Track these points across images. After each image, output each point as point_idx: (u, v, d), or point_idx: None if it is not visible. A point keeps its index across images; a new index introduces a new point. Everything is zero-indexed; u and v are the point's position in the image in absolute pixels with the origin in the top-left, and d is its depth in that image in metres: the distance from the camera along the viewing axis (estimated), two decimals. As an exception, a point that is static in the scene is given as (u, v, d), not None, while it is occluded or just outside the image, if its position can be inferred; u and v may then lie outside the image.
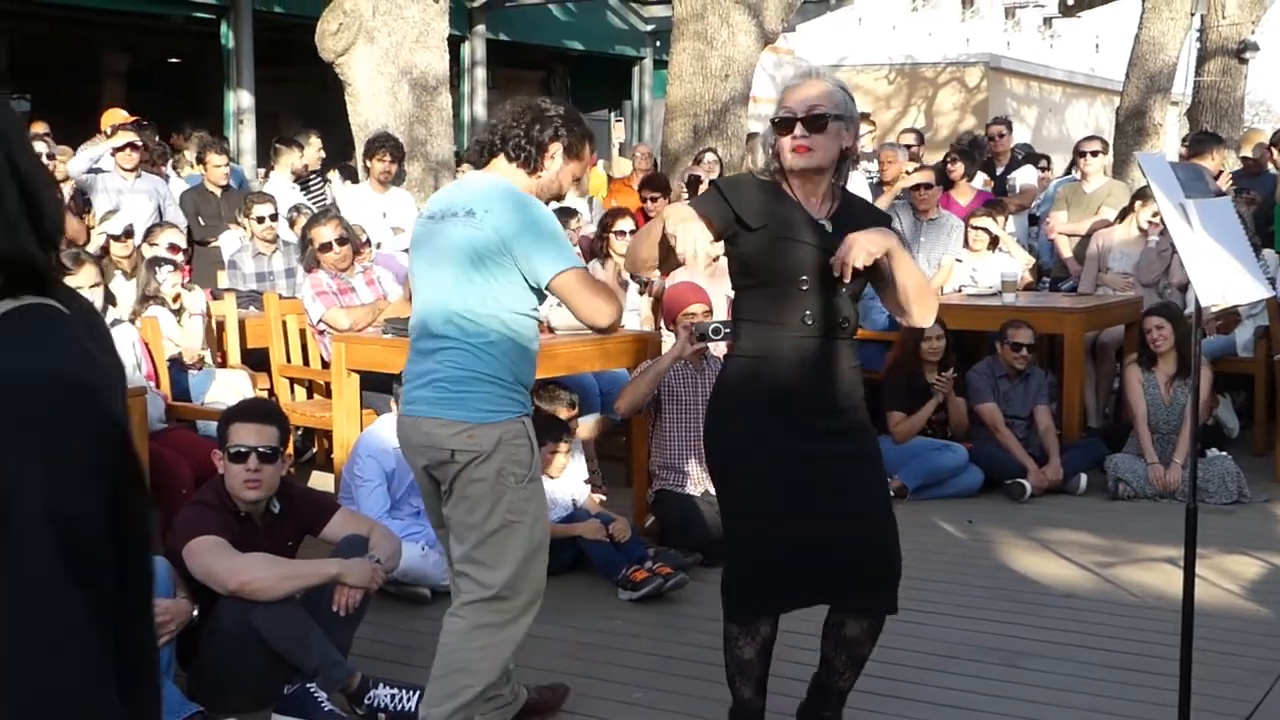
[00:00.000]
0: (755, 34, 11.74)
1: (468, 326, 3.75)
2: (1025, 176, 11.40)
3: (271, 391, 7.41)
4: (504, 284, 3.74)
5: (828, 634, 3.94)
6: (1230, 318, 8.39)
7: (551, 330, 6.02)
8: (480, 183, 3.87)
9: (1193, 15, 15.71)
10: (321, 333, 7.19)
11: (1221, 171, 10.65)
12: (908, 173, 10.26)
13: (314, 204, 9.59)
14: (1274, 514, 7.08)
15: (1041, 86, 28.89)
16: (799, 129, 3.61)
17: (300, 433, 7.69)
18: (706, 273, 7.90)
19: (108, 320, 5.97)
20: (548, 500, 4.31)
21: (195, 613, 4.25)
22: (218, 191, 9.61)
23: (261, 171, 12.52)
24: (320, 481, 7.06)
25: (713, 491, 6.05)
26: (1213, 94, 15.88)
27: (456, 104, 15.40)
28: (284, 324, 7.45)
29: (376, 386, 6.46)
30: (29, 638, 1.40)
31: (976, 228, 9.36)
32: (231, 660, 4.30)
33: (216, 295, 7.81)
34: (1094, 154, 10.15)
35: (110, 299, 6.15)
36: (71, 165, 8.95)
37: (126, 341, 6.02)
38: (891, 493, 7.05)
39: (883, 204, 10.00)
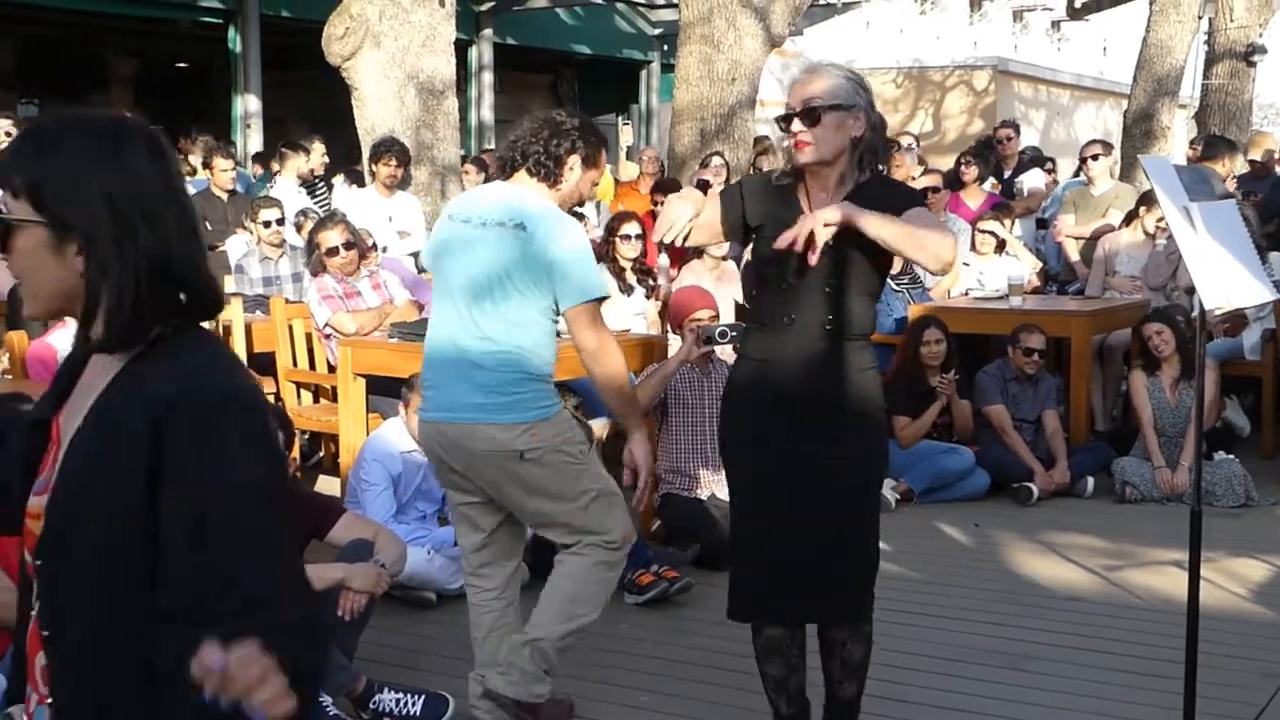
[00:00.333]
0: (762, 37, 11.73)
1: (514, 332, 3.99)
2: (1032, 180, 11.38)
3: (278, 396, 7.42)
4: (541, 293, 4.00)
5: (820, 641, 3.96)
6: (1238, 320, 8.37)
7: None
8: (520, 197, 4.07)
9: (1200, 18, 15.67)
10: (328, 337, 7.20)
11: (1230, 175, 10.64)
12: (913, 177, 10.24)
13: (319, 208, 9.61)
14: (1281, 517, 7.06)
15: (1049, 90, 28.86)
16: (796, 124, 3.62)
17: (306, 437, 7.70)
18: (713, 276, 7.91)
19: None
20: None
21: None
22: (224, 196, 9.63)
23: (257, 169, 12.48)
24: (326, 486, 7.06)
25: (719, 495, 6.07)
26: (1221, 97, 15.83)
27: (464, 108, 15.42)
28: (290, 328, 7.45)
29: (383, 391, 6.47)
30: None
31: (983, 231, 9.35)
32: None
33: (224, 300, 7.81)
34: (1095, 158, 10.13)
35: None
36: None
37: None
38: (897, 496, 7.16)
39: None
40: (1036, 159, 12.60)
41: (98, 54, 16.65)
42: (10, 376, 5.94)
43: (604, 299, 4.09)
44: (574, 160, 4.09)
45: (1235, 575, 6.01)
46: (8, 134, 9.44)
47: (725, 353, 6.20)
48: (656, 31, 19.71)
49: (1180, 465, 7.31)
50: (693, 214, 3.72)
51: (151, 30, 15.78)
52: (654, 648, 5.15)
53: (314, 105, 15.59)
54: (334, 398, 7.09)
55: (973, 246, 9.39)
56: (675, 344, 6.67)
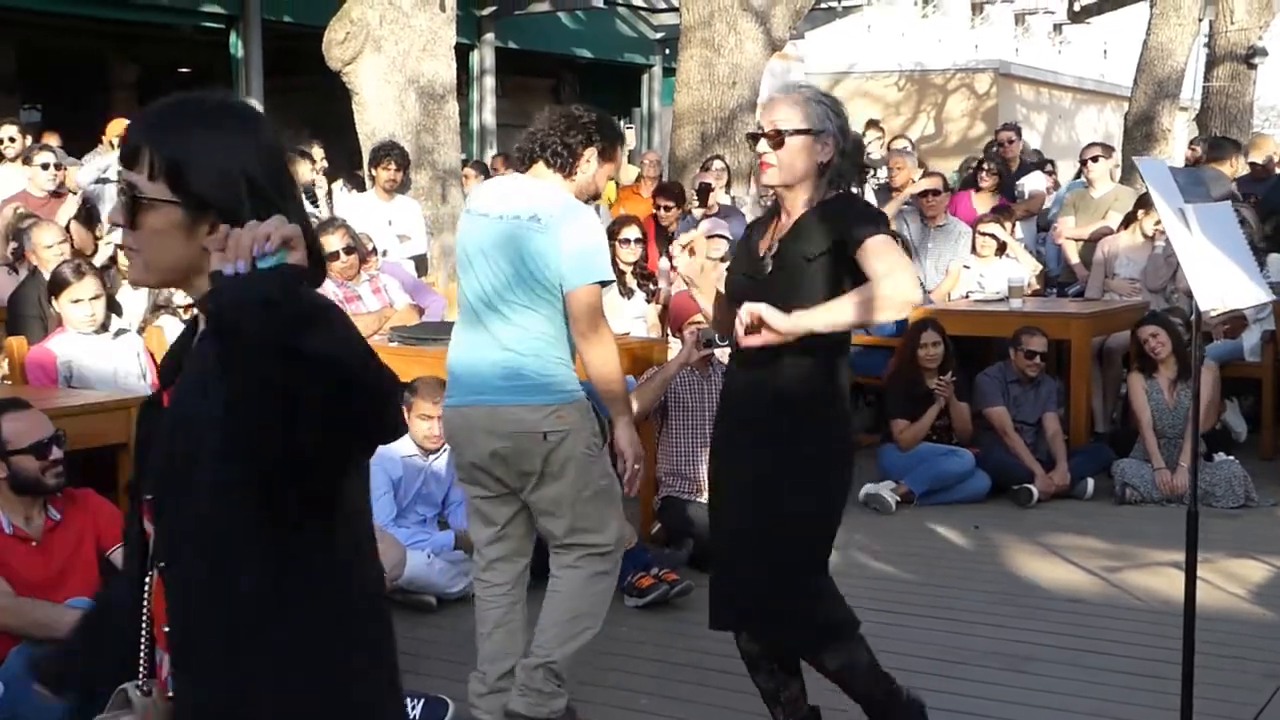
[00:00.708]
0: (763, 41, 11.75)
1: (538, 318, 4.10)
2: (1034, 183, 11.39)
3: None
4: (564, 280, 4.09)
5: None
6: (1237, 322, 8.38)
7: None
8: (538, 190, 4.20)
9: (1201, 21, 15.68)
10: (328, 341, 7.20)
11: (1234, 176, 10.64)
12: (914, 180, 10.25)
13: (317, 214, 9.61)
14: (1281, 518, 7.07)
15: (1051, 93, 28.86)
16: (762, 144, 3.67)
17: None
18: (716, 277, 7.91)
19: (113, 330, 5.99)
20: None
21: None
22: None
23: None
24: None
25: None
26: (1221, 99, 15.84)
27: (465, 112, 15.44)
28: (291, 332, 7.45)
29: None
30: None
31: (984, 234, 9.36)
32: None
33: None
34: (1095, 160, 10.15)
35: (115, 308, 6.16)
36: (79, 176, 8.98)
37: (131, 351, 6.03)
38: (897, 498, 7.16)
39: (890, 210, 10.00)
40: (1037, 162, 12.62)
41: (100, 59, 16.67)
42: (10, 382, 5.95)
43: (608, 283, 4.20)
44: (590, 153, 4.20)
45: (1234, 576, 6.01)
46: (10, 139, 9.47)
47: (725, 356, 6.20)
48: (658, 35, 19.73)
49: (1180, 466, 7.32)
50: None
51: (153, 35, 15.80)
52: (654, 650, 5.16)
53: (315, 110, 15.58)
54: (335, 402, 7.09)
55: (973, 249, 9.40)
56: (675, 347, 6.68)
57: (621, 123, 20.43)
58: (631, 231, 8.13)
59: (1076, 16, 22.14)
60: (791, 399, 3.66)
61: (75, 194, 8.32)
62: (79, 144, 10.84)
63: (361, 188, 10.15)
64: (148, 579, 1.99)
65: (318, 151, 10.73)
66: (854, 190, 3.79)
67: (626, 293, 8.02)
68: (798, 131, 3.63)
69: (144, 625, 2.00)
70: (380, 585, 2.04)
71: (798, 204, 3.71)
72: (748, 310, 3.49)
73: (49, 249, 6.88)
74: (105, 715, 1.98)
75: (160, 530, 1.94)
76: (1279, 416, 8.21)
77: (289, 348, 1.63)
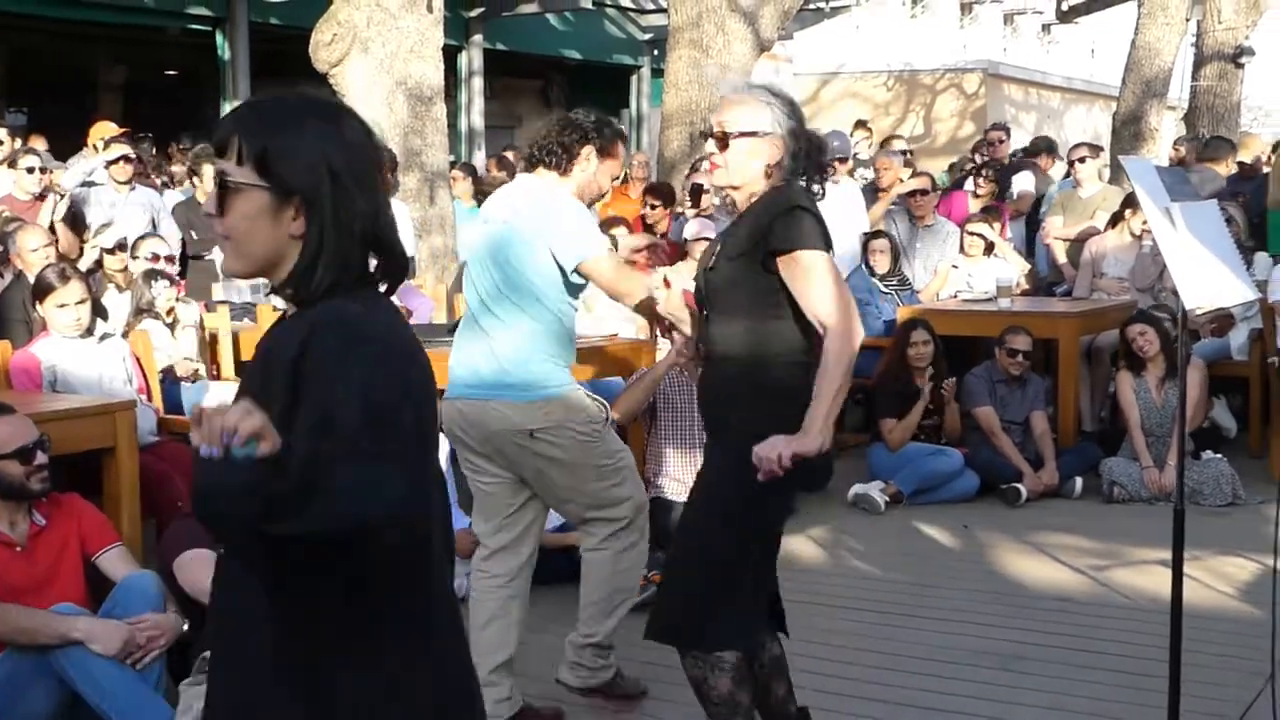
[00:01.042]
0: (751, 42, 11.74)
1: (523, 315, 4.19)
2: (1022, 183, 11.39)
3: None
4: (541, 273, 4.18)
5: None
6: (1225, 321, 8.39)
7: None
8: (514, 188, 4.40)
9: (1188, 20, 15.71)
10: (315, 343, 7.19)
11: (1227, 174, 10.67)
12: (902, 179, 10.26)
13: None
14: (1268, 516, 7.04)
15: (1039, 92, 28.87)
16: (709, 145, 3.68)
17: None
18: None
19: (98, 334, 5.97)
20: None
21: (186, 627, 4.24)
22: (212, 203, 9.60)
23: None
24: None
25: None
26: (1209, 99, 15.87)
27: (454, 114, 15.43)
28: (278, 335, 7.43)
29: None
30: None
31: (972, 234, 9.37)
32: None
33: (210, 308, 7.81)
34: (1083, 160, 10.16)
35: (101, 313, 6.14)
36: (65, 179, 8.94)
37: (117, 355, 6.01)
38: (886, 498, 7.16)
39: (878, 210, 10.01)
40: (1022, 163, 12.63)
41: (87, 62, 16.61)
42: (-6, 385, 5.93)
43: (600, 255, 4.25)
44: (587, 150, 4.30)
45: (1222, 574, 6.02)
46: None
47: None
48: (646, 36, 19.71)
49: (1168, 465, 7.32)
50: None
51: (140, 38, 15.75)
52: (643, 652, 5.14)
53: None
54: (322, 404, 7.08)
55: (961, 249, 9.40)
56: (665, 348, 6.67)
57: (611, 124, 20.46)
58: (619, 232, 8.12)
59: (1065, 16, 22.20)
60: (717, 409, 3.66)
61: (63, 197, 8.28)
62: (65, 147, 10.80)
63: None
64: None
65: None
66: (811, 189, 3.66)
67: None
68: (743, 134, 3.59)
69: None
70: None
71: (743, 205, 3.67)
72: (769, 462, 3.41)
73: (34, 252, 6.85)
74: (191, 679, 2.11)
75: None
76: (1266, 415, 8.22)
77: (259, 532, 1.80)
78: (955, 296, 9.11)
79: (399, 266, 2.06)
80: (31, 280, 6.28)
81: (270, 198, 1.96)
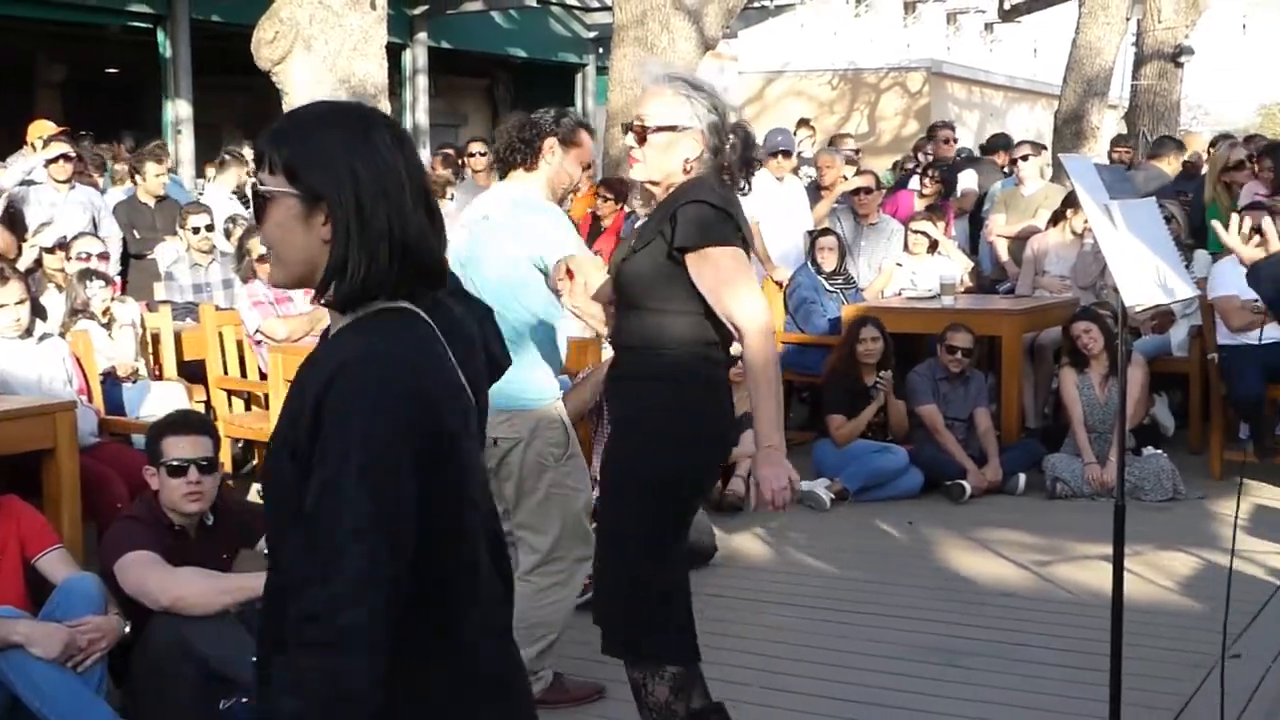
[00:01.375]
0: (696, 40, 11.74)
1: (501, 322, 4.06)
2: (966, 180, 11.47)
3: (209, 403, 7.34)
4: (525, 277, 4.19)
5: None
6: (1165, 318, 8.47)
7: None
8: (498, 190, 4.44)
9: (1129, 20, 15.86)
10: (259, 343, 7.15)
11: (1174, 174, 10.77)
12: (845, 178, 10.30)
13: (247, 217, 9.52)
14: (1208, 511, 7.16)
15: (982, 91, 29.10)
16: (629, 138, 3.62)
17: (240, 445, 7.63)
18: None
19: (37, 334, 5.90)
20: None
21: (127, 629, 4.20)
22: (151, 202, 9.51)
23: (201, 182, 12.42)
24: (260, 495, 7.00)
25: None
26: (1149, 97, 16.04)
27: (398, 112, 15.36)
28: (220, 335, 7.38)
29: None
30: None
31: (916, 231, 9.42)
32: (166, 677, 4.25)
33: (153, 307, 7.73)
34: (1025, 158, 10.23)
35: (40, 313, 6.06)
36: (4, 178, 8.84)
37: (56, 356, 5.94)
38: (832, 495, 7.19)
39: (822, 209, 10.05)
40: (970, 159, 12.73)
41: (26, 60, 16.43)
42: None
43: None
44: (550, 143, 4.34)
45: (1162, 568, 6.09)
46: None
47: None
48: (591, 34, 19.70)
49: (1109, 461, 7.38)
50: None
51: (79, 35, 15.59)
52: (591, 650, 5.13)
53: (247, 110, 15.46)
54: (266, 405, 7.03)
55: (906, 247, 9.45)
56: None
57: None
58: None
59: (1007, 15, 22.33)
60: (628, 405, 3.62)
61: (0, 195, 8.18)
62: (3, 145, 10.67)
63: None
64: None
65: (249, 152, 10.63)
66: (737, 183, 3.62)
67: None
68: (660, 128, 3.54)
69: None
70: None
71: (662, 199, 3.63)
72: (780, 495, 3.43)
73: (-29, 253, 6.77)
74: None
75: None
76: (1205, 411, 8.31)
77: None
78: (899, 294, 9.15)
79: (431, 272, 2.10)
80: (-31, 281, 6.20)
81: (300, 204, 2.02)
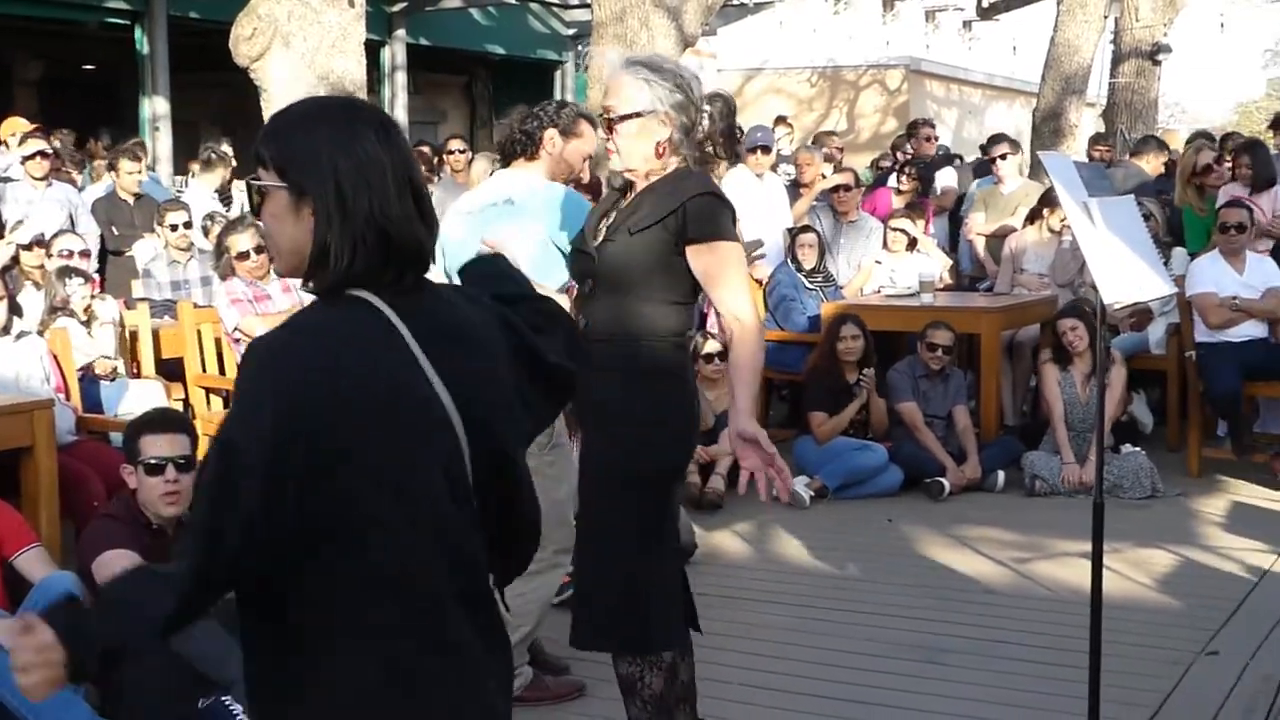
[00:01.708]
0: (675, 37, 11.74)
1: None
2: (945, 178, 11.50)
3: (187, 402, 7.31)
4: (553, 258, 4.23)
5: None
6: (1143, 315, 8.51)
7: None
8: (511, 178, 4.51)
9: (1107, 18, 15.91)
10: (237, 341, 7.12)
11: (1157, 172, 10.79)
12: (824, 175, 10.31)
13: (225, 213, 9.49)
14: (1186, 508, 7.19)
15: (961, 89, 29.14)
16: (601, 131, 3.64)
17: (218, 442, 7.59)
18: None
19: (14, 332, 5.87)
20: None
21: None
22: (130, 199, 9.47)
23: (180, 179, 12.38)
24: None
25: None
26: (1127, 95, 16.10)
27: (376, 109, 15.28)
28: (199, 333, 7.35)
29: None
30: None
31: (895, 229, 9.43)
32: (144, 676, 4.23)
33: (130, 305, 7.69)
34: (1004, 157, 10.24)
35: (17, 310, 6.03)
36: (-20, 176, 8.80)
37: (34, 354, 5.91)
38: (811, 493, 7.20)
39: (801, 206, 10.06)
40: (946, 156, 12.75)
41: (2, 57, 16.34)
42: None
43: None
44: (550, 134, 4.46)
45: (1141, 565, 6.11)
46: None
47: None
48: (570, 32, 19.68)
49: (1088, 460, 7.41)
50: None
51: (56, 31, 15.50)
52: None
53: (225, 107, 15.39)
54: (245, 402, 7.00)
55: (885, 244, 9.46)
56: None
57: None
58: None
59: (986, 13, 22.39)
60: (604, 395, 3.55)
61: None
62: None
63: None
64: None
65: (227, 149, 10.60)
66: (723, 154, 3.65)
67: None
68: (626, 116, 3.53)
69: None
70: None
71: (640, 184, 3.62)
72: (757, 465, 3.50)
73: (-53, 251, 6.73)
74: None
75: None
76: (1184, 408, 8.35)
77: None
78: (879, 292, 9.16)
79: (416, 260, 2.15)
80: (-55, 278, 6.17)
81: (289, 196, 2.11)
